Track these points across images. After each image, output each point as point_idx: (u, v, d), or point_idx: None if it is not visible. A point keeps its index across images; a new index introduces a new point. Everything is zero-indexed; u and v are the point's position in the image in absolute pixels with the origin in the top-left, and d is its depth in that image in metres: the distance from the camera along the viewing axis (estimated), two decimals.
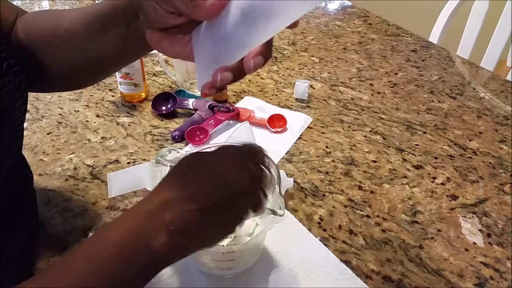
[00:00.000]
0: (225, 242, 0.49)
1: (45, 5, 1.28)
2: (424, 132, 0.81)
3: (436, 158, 0.75)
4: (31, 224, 0.59)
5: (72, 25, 0.49)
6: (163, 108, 0.83)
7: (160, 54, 0.89)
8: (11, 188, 0.51)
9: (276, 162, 0.73)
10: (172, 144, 0.76)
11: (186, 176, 0.40)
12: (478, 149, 0.77)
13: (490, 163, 0.74)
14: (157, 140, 0.77)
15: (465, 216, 0.64)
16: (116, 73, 0.83)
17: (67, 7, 1.25)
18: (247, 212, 0.41)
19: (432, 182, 0.70)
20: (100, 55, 0.50)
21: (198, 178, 0.39)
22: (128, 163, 0.72)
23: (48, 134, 0.78)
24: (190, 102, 0.84)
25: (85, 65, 0.52)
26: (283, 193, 0.65)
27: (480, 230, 0.62)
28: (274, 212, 0.47)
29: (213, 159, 0.42)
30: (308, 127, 0.82)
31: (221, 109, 0.82)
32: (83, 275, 0.35)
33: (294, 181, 0.68)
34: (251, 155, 0.44)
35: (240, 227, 0.41)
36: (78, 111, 0.84)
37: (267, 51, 0.37)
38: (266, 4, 0.32)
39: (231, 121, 0.82)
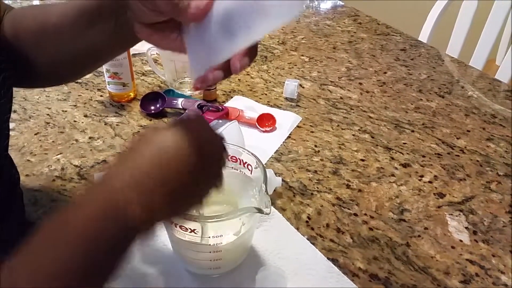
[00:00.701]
0: (211, 241, 0.49)
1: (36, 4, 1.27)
2: (412, 131, 0.81)
3: (423, 156, 0.75)
4: (18, 225, 0.58)
5: (59, 20, 0.49)
6: (152, 107, 0.83)
7: (149, 53, 0.89)
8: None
9: (264, 162, 0.73)
10: None
11: (158, 151, 0.39)
12: (465, 147, 0.78)
13: (477, 161, 0.75)
14: None
15: (452, 214, 0.64)
16: (105, 72, 0.83)
17: None
18: (214, 184, 0.42)
19: (420, 180, 0.70)
20: (89, 48, 0.50)
21: (170, 155, 0.39)
22: None
23: (35, 134, 0.78)
24: (179, 102, 0.83)
25: (74, 59, 0.52)
26: (271, 192, 0.65)
27: (466, 227, 0.62)
28: (260, 211, 0.47)
29: (178, 133, 0.40)
30: (297, 126, 0.82)
31: (210, 108, 0.82)
32: (56, 261, 0.34)
33: (283, 180, 0.68)
34: (204, 126, 0.43)
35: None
36: (66, 111, 0.84)
37: (252, 52, 0.37)
38: (242, 17, 0.33)
39: (220, 121, 0.81)
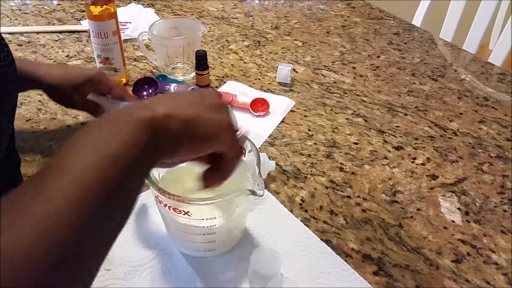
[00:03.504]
0: (205, 223, 0.49)
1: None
2: (405, 114, 0.81)
3: (416, 139, 0.75)
4: None
5: None
6: (144, 93, 0.82)
7: (141, 38, 0.88)
8: (5, 170, 0.51)
9: (258, 146, 0.73)
10: None
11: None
12: (458, 129, 0.78)
13: (470, 143, 0.75)
14: None
15: (444, 195, 0.65)
16: (96, 58, 0.82)
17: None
18: (225, 116, 0.42)
19: (412, 162, 0.70)
20: None
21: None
22: None
23: (27, 121, 0.77)
24: (172, 87, 0.83)
25: None
26: (265, 176, 0.65)
27: (458, 208, 0.63)
28: (253, 193, 0.47)
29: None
30: (291, 110, 0.82)
31: None
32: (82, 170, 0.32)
33: (277, 164, 0.68)
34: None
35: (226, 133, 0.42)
36: None
37: None
38: None
39: None
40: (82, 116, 0.78)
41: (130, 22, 1.08)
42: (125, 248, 0.55)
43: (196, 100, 0.41)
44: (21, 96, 0.83)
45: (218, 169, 0.44)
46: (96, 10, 0.77)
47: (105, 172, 0.32)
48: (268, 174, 0.66)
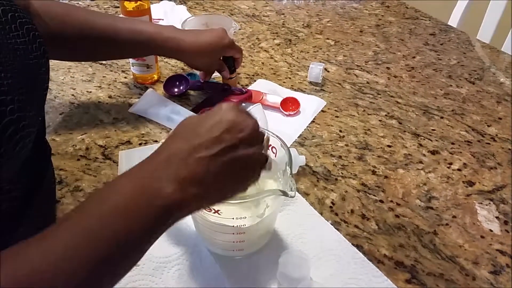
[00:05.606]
0: (235, 223, 0.49)
1: None
2: (441, 117, 0.79)
3: (453, 143, 0.73)
4: (49, 203, 0.59)
5: (103, 39, 0.69)
6: (175, 90, 0.82)
7: None
8: (36, 158, 0.52)
9: (288, 145, 0.72)
10: None
11: (193, 129, 0.41)
12: (496, 135, 0.75)
13: (509, 149, 0.72)
14: None
15: (481, 203, 0.62)
16: None
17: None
18: (255, 167, 0.42)
19: (448, 167, 0.68)
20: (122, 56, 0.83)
21: (204, 128, 0.40)
22: (140, 144, 0.71)
23: (60, 114, 0.78)
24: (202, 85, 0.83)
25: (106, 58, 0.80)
26: (295, 171, 0.64)
27: (497, 217, 0.60)
28: (285, 194, 0.46)
29: (214, 113, 0.42)
30: (322, 110, 0.80)
31: (234, 91, 0.81)
32: (90, 232, 0.35)
33: (306, 165, 0.67)
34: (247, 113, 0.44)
35: (253, 183, 0.43)
36: (90, 92, 0.84)
37: None
38: None
39: (243, 104, 0.81)
40: (114, 111, 0.79)
41: (163, 19, 1.09)
42: (154, 244, 0.54)
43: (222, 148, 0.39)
44: (55, 90, 0.84)
45: None
46: (130, 5, 0.78)
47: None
48: (297, 170, 0.65)
